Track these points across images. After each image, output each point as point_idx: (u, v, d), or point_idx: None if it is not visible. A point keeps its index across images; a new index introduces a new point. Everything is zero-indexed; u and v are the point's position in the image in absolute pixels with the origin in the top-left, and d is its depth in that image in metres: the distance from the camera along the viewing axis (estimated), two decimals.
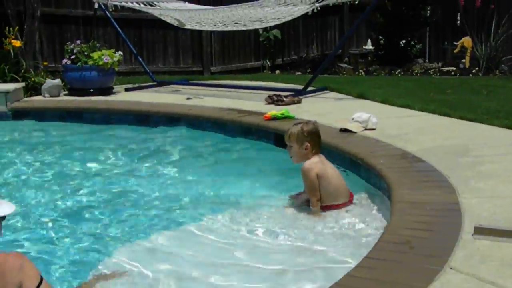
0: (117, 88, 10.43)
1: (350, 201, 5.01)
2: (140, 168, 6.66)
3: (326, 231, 4.49)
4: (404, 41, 14.95)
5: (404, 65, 14.26)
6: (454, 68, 13.69)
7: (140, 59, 11.94)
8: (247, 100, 9.07)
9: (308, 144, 4.95)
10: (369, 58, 16.20)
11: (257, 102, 8.75)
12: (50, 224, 4.90)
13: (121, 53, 10.35)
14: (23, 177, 6.30)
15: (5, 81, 9.78)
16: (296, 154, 5.05)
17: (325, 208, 4.87)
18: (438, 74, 13.42)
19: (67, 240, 4.60)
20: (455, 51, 13.84)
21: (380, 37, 15.41)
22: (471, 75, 12.94)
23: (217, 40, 14.68)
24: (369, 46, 16.88)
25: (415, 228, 3.80)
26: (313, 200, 4.88)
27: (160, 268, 3.94)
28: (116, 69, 10.18)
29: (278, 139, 7.06)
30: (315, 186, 4.85)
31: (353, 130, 6.58)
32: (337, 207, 4.91)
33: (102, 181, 6.17)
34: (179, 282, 3.75)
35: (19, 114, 9.14)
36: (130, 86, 10.81)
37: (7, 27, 10.28)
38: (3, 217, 3.19)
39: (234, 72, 14.37)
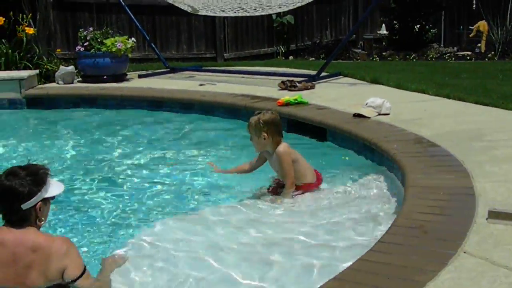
0: (130, 74, 10.44)
1: (319, 181, 5.07)
2: (152, 154, 6.66)
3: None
4: (418, 26, 14.84)
5: (419, 50, 14.17)
6: (469, 53, 13.58)
7: (153, 45, 11.94)
8: (260, 86, 9.05)
9: (265, 134, 4.95)
10: (383, 43, 16.11)
11: (271, 88, 8.73)
12: (67, 206, 4.93)
13: (134, 40, 10.35)
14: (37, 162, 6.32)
15: (18, 68, 9.81)
16: (257, 144, 5.08)
17: (299, 188, 4.92)
18: (453, 58, 13.33)
19: (85, 222, 4.63)
20: (470, 35, 13.73)
21: (395, 21, 15.30)
22: (486, 59, 12.83)
23: (230, 26, 14.64)
24: (383, 31, 16.78)
25: (428, 212, 3.78)
26: (288, 182, 4.89)
27: (175, 250, 3.96)
28: (130, 55, 10.19)
29: (291, 125, 7.06)
30: (291, 168, 4.87)
31: (367, 115, 6.54)
32: (310, 186, 4.96)
33: (115, 166, 6.18)
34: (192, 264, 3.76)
35: (33, 101, 9.18)
36: (143, 72, 10.82)
37: (20, 14, 10.29)
38: (53, 197, 3.22)
39: (247, 58, 14.35)
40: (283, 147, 4.95)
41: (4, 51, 9.89)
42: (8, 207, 3.09)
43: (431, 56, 13.70)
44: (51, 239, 3.17)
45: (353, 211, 4.57)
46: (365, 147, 5.84)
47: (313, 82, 8.96)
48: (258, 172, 5.33)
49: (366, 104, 6.70)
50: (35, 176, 3.13)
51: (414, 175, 4.50)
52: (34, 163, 3.31)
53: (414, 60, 13.51)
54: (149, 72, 10.96)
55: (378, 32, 17.24)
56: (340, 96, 8.00)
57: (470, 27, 13.88)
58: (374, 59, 13.91)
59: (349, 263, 3.16)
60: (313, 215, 4.53)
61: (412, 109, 6.93)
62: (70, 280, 3.09)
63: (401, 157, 4.99)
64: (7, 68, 9.79)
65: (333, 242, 4.01)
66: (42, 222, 3.20)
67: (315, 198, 4.90)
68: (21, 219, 3.11)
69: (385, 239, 3.43)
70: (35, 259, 3.03)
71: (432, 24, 15.22)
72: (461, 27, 15.10)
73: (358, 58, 13.96)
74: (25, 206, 3.08)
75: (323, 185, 5.13)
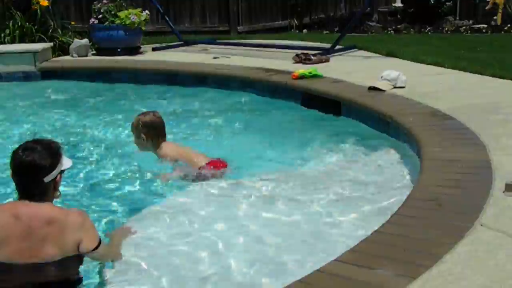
0: (144, 47, 10.42)
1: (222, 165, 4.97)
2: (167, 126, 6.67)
3: None
4: None
5: (434, 23, 14.02)
6: (485, 26, 13.43)
7: (167, 18, 11.88)
8: (274, 59, 9.00)
9: (144, 136, 4.93)
10: (399, 16, 15.94)
11: (285, 61, 8.68)
12: (80, 180, 4.96)
13: (148, 12, 10.31)
14: (51, 136, 6.34)
15: (33, 41, 9.82)
16: (137, 143, 5.07)
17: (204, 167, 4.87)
18: (469, 31, 13.18)
19: (96, 195, 4.67)
20: (486, 8, 13.56)
21: None
22: (502, 32, 12.67)
23: None
24: (398, 3, 16.60)
25: (445, 185, 3.77)
26: (174, 174, 4.86)
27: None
28: (143, 28, 10.16)
29: (306, 98, 7.03)
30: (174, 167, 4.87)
31: (382, 88, 6.50)
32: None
33: (127, 140, 6.20)
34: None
35: (47, 74, 9.19)
36: (157, 45, 10.79)
37: None
38: (63, 170, 3.26)
39: (261, 32, 14.24)
40: (164, 149, 4.94)
41: (19, 23, 9.89)
42: (31, 181, 3.11)
43: (446, 29, 13.55)
44: (66, 212, 3.20)
45: (367, 183, 4.57)
46: (380, 121, 5.81)
47: (328, 55, 8.90)
48: None
49: (381, 77, 6.65)
50: (51, 150, 3.16)
51: (431, 148, 4.48)
52: (40, 137, 3.33)
53: (429, 33, 13.37)
54: (163, 45, 10.93)
55: (393, 5, 17.07)
56: (355, 69, 7.96)
57: None
58: (389, 32, 13.79)
59: (365, 235, 3.17)
60: (325, 189, 4.52)
61: (428, 82, 6.88)
62: (85, 252, 3.12)
63: (417, 130, 4.97)
64: (22, 41, 9.81)
65: (347, 215, 4.01)
66: (59, 194, 3.24)
67: (328, 171, 4.90)
68: (41, 192, 3.14)
69: (401, 212, 3.43)
70: (51, 232, 3.06)
71: None
72: (477, 0, 14.91)
73: (373, 31, 13.84)
74: (47, 179, 3.11)
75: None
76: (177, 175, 4.83)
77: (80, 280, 3.20)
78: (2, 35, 9.79)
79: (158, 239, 3.74)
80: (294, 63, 8.52)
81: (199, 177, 4.79)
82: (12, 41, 9.75)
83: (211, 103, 7.65)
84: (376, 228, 3.22)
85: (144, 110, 5.49)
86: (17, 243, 3.03)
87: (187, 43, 11.10)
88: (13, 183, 3.18)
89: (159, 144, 4.97)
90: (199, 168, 4.84)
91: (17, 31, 9.82)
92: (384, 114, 5.72)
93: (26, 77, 9.13)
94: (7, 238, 3.03)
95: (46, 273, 3.07)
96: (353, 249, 2.98)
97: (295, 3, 15.20)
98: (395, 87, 6.53)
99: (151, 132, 4.95)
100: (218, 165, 4.95)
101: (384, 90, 6.47)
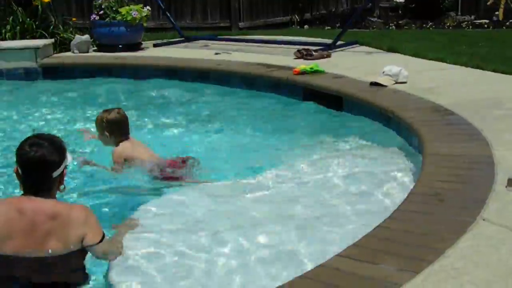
0: (145, 44, 10.40)
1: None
2: (169, 122, 6.67)
3: None
4: None
5: (436, 18, 14.00)
6: (487, 21, 13.40)
7: (168, 14, 11.86)
8: (276, 55, 8.98)
9: (107, 133, 4.97)
10: (400, 11, 15.92)
11: (286, 57, 8.67)
12: (86, 174, 5.00)
13: (149, 8, 10.28)
14: (54, 131, 6.35)
15: (34, 37, 9.80)
16: (100, 139, 5.11)
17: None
18: (470, 27, 13.16)
19: (98, 189, 4.68)
20: (488, 3, 13.54)
21: None
22: (504, 27, 12.65)
23: None
24: None
25: (447, 180, 3.77)
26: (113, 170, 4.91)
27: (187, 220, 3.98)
28: (145, 24, 10.14)
29: (307, 94, 7.02)
30: (119, 169, 4.86)
31: (384, 83, 6.49)
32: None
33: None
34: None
35: (48, 70, 9.18)
36: (158, 41, 10.77)
37: None
38: (67, 165, 3.28)
39: (262, 28, 14.23)
40: (120, 149, 4.94)
41: (20, 19, 9.87)
42: (40, 177, 3.13)
43: (448, 24, 13.53)
44: (70, 207, 3.21)
45: (369, 179, 4.55)
46: (381, 116, 5.81)
47: (329, 51, 8.89)
48: None
49: (383, 72, 6.64)
50: (55, 144, 3.17)
51: (432, 143, 4.48)
52: (40, 132, 3.33)
53: (430, 28, 13.35)
54: (164, 41, 10.91)
55: (394, 0, 17.04)
56: (357, 64, 7.95)
57: None
58: (390, 28, 13.77)
59: (367, 231, 3.17)
60: (327, 185, 4.52)
61: (430, 78, 6.88)
62: (89, 246, 3.13)
63: (419, 125, 4.96)
64: (23, 37, 9.78)
65: (349, 210, 4.01)
66: (63, 188, 3.25)
67: (329, 165, 4.90)
68: (49, 187, 3.16)
69: (403, 207, 3.43)
70: (54, 226, 3.07)
71: None
72: None
73: (374, 27, 13.82)
74: (55, 173, 3.14)
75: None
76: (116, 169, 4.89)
77: (86, 278, 3.21)
78: (3, 31, 9.76)
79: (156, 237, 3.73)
80: (295, 58, 8.50)
81: (157, 178, 4.85)
82: (13, 37, 9.73)
83: (213, 99, 7.65)
84: (378, 223, 3.21)
85: (110, 106, 5.46)
86: (21, 238, 3.04)
87: (188, 39, 11.08)
88: (14, 179, 3.19)
89: (120, 141, 5.00)
90: (149, 171, 4.88)
91: (18, 27, 9.79)
92: (385, 109, 5.71)
93: (27, 73, 9.10)
94: (11, 233, 3.04)
95: (49, 267, 3.07)
96: (355, 244, 2.98)
97: None
98: (396, 83, 6.52)
99: (114, 130, 4.99)
100: (175, 165, 4.98)
101: (385, 86, 6.46)
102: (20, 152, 3.11)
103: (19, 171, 3.13)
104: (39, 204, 3.09)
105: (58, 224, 3.07)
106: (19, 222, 3.04)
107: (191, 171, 4.94)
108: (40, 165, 3.09)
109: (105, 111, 5.08)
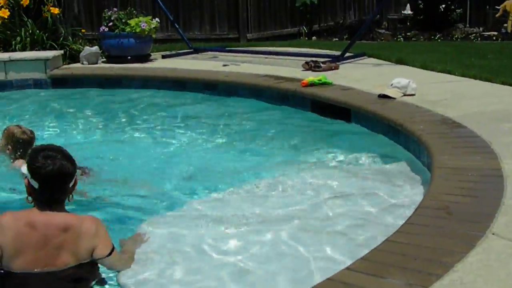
0: (154, 55, 10.44)
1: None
2: (175, 134, 6.69)
3: None
4: (444, 6, 14.64)
5: (444, 30, 14.01)
6: (495, 33, 13.41)
7: (176, 25, 11.91)
8: (284, 66, 9.00)
9: (10, 148, 5.14)
10: (408, 23, 15.93)
11: (294, 68, 8.68)
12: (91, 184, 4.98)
13: (158, 20, 10.33)
14: (62, 140, 6.38)
15: (44, 49, 9.86)
16: (0, 149, 5.21)
17: None
18: (479, 39, 13.16)
19: (108, 201, 4.68)
20: (497, 16, 13.53)
21: (419, 1, 15.12)
22: None
23: (253, 6, 14.55)
24: (408, 11, 16.57)
25: (456, 194, 3.75)
26: None
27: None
28: (153, 36, 10.19)
29: (315, 106, 7.03)
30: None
31: (392, 96, 6.48)
32: None
33: (140, 147, 6.22)
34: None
35: (58, 82, 9.23)
36: (167, 53, 10.81)
37: None
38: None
39: (270, 39, 14.26)
40: (15, 164, 5.01)
41: (30, 31, 9.94)
42: (58, 188, 3.14)
43: (456, 36, 13.54)
44: (80, 219, 3.20)
45: (378, 192, 4.55)
46: (390, 128, 5.80)
47: (337, 63, 8.90)
48: None
49: (391, 84, 6.64)
50: (66, 154, 3.18)
51: (441, 156, 4.46)
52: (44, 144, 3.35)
53: (439, 40, 13.35)
54: (173, 52, 10.95)
55: (402, 12, 17.04)
56: (365, 76, 7.95)
57: (496, 6, 13.67)
58: (399, 40, 13.78)
59: (375, 244, 3.16)
60: (335, 197, 4.51)
61: (438, 90, 6.86)
62: (99, 258, 3.13)
63: (427, 138, 4.94)
64: (33, 48, 9.85)
65: (356, 223, 4.00)
66: (71, 198, 3.27)
67: (336, 177, 4.90)
68: (64, 198, 3.19)
69: (412, 221, 3.41)
70: (66, 239, 3.07)
71: (457, 4, 15.02)
72: (488, 7, 14.87)
73: (382, 38, 13.84)
74: (71, 184, 3.17)
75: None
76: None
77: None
78: (13, 42, 9.83)
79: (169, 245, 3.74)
80: (303, 70, 8.51)
81: None
82: (23, 49, 9.79)
83: (221, 110, 7.66)
84: (386, 237, 3.20)
85: (21, 124, 5.57)
86: (33, 253, 3.03)
87: (196, 51, 11.13)
88: (23, 192, 3.19)
89: (18, 159, 5.09)
90: None
91: (28, 39, 9.86)
92: (394, 121, 5.70)
93: (37, 84, 9.16)
94: (22, 248, 3.02)
95: (60, 281, 3.06)
96: (363, 257, 2.97)
97: (304, 10, 15.20)
98: (405, 95, 6.51)
99: (18, 148, 5.14)
100: None
101: (394, 98, 6.45)
102: (35, 165, 3.07)
103: (33, 184, 3.11)
104: (50, 217, 3.09)
105: (70, 237, 3.07)
106: (31, 237, 3.03)
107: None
108: (60, 177, 3.09)
109: (18, 127, 5.24)
